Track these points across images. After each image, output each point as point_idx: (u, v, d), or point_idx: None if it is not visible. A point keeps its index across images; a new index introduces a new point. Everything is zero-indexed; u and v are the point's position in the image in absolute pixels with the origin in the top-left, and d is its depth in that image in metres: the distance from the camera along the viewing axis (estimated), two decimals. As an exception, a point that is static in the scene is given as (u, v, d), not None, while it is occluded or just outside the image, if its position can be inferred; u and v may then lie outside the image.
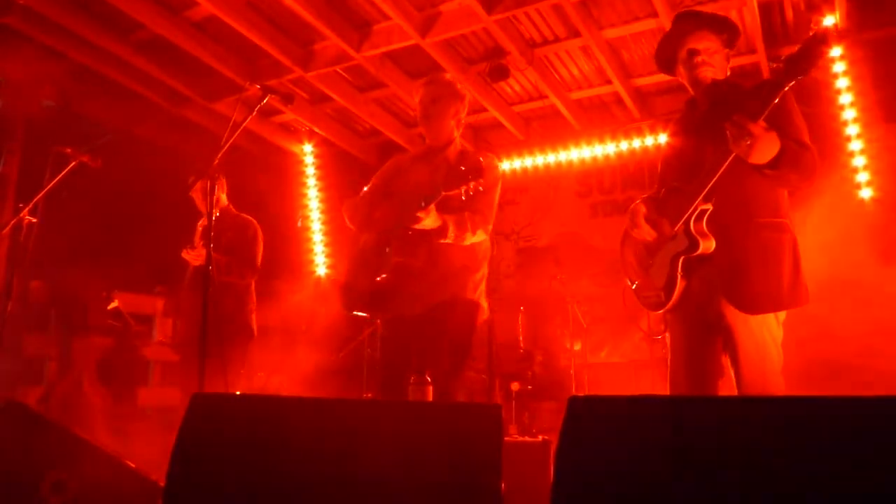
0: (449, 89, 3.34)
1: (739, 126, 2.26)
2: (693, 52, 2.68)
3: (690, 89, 2.79)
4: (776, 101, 2.26)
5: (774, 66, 2.26)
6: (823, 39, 2.14)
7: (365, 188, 3.46)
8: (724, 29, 2.72)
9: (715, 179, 2.42)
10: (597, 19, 5.04)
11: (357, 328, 5.69)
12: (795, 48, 2.21)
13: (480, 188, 2.85)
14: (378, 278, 3.11)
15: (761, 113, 2.27)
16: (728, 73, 2.76)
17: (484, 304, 3.26)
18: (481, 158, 3.08)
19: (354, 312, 3.26)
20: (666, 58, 2.87)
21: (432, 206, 2.88)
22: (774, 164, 2.32)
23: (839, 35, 2.11)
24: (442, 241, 3.02)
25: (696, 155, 2.59)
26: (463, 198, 2.88)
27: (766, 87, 2.29)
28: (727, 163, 2.38)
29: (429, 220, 2.91)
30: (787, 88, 2.26)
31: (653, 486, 1.35)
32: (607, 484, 1.39)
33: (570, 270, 5.58)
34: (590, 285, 5.47)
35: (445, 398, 2.98)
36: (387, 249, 3.14)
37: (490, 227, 3.22)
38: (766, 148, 2.28)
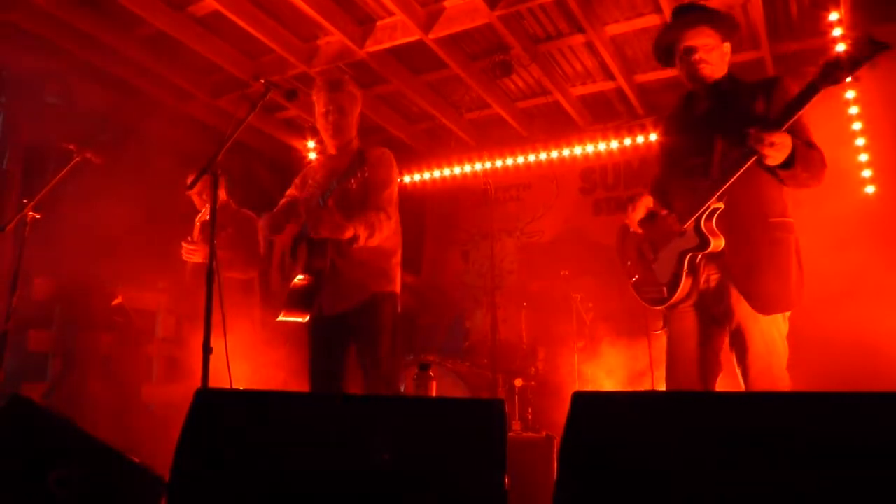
0: (350, 96, 3.40)
1: (761, 138, 2.29)
2: (690, 50, 2.68)
3: (688, 83, 2.79)
4: (806, 107, 2.27)
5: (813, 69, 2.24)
6: (867, 50, 2.13)
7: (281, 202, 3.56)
8: (723, 24, 2.72)
9: (733, 179, 2.44)
10: (600, 15, 5.02)
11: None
12: (833, 56, 2.19)
13: (366, 174, 2.98)
14: (294, 281, 3.17)
15: (786, 120, 2.29)
16: (727, 69, 2.76)
17: (398, 288, 3.36)
18: (366, 152, 3.18)
19: (279, 319, 3.28)
20: (664, 49, 2.87)
21: (334, 209, 2.99)
22: (788, 163, 2.36)
23: (886, 45, 2.09)
24: (356, 245, 3.10)
25: (705, 153, 2.60)
26: (354, 186, 3.01)
27: (797, 92, 2.30)
28: (747, 164, 2.39)
29: (337, 230, 3.00)
30: (816, 94, 2.26)
31: (656, 481, 1.35)
32: (611, 479, 1.39)
33: (574, 267, 5.58)
34: (593, 281, 5.47)
35: (393, 389, 3.12)
36: (297, 253, 3.22)
37: (394, 220, 3.30)
38: (782, 149, 2.32)
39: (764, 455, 1.28)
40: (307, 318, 3.29)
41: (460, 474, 1.52)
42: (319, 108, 3.40)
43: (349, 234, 3.03)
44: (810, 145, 2.46)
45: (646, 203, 2.74)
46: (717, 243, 2.52)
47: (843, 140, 5.13)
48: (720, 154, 2.52)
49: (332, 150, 3.46)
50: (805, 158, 2.39)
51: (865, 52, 2.13)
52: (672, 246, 2.63)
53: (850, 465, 1.21)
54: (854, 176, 5.12)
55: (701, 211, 2.52)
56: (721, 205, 2.51)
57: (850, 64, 2.16)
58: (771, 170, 2.45)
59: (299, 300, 3.21)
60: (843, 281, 4.57)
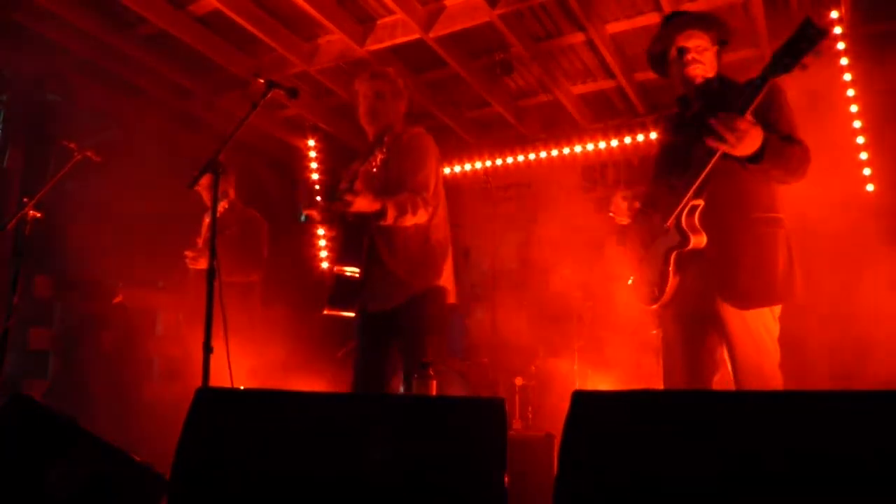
0: (392, 83, 3.31)
1: (725, 122, 2.28)
2: (683, 51, 2.70)
3: (682, 88, 2.80)
4: (761, 96, 2.28)
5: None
6: (808, 36, 2.14)
7: None
8: (713, 26, 2.74)
9: (703, 175, 2.45)
10: (600, 13, 5.02)
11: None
12: (779, 47, 2.20)
13: (385, 154, 2.94)
14: (333, 271, 3.14)
15: (747, 107, 2.29)
16: (718, 70, 2.76)
17: (450, 286, 3.26)
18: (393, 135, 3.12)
19: (325, 313, 3.22)
20: (657, 59, 2.88)
21: (361, 189, 2.89)
22: (757, 157, 2.34)
23: (825, 32, 2.11)
24: (383, 223, 3.01)
25: (688, 152, 2.61)
26: (374, 170, 2.96)
27: (753, 83, 2.31)
28: (715, 159, 2.40)
29: (364, 203, 2.91)
30: (769, 84, 2.26)
31: (656, 479, 1.35)
32: (611, 478, 1.39)
33: (574, 265, 5.58)
34: (593, 280, 5.47)
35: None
36: (335, 243, 3.19)
37: (432, 205, 3.18)
38: (748, 141, 2.29)
39: (762, 453, 1.28)
40: (352, 313, 3.19)
41: (461, 473, 1.52)
42: (360, 97, 3.30)
43: (376, 206, 2.93)
44: (791, 140, 2.44)
45: (620, 197, 2.77)
46: (698, 240, 2.52)
47: (843, 138, 5.13)
48: (699, 152, 2.53)
49: (370, 139, 3.33)
50: (777, 154, 2.35)
51: (807, 41, 2.13)
52: (658, 244, 2.66)
53: (847, 465, 1.22)
54: (854, 174, 5.11)
55: (680, 208, 2.53)
56: (701, 202, 2.51)
57: (794, 53, 2.15)
58: (742, 163, 2.42)
59: (341, 294, 3.13)
60: (843, 279, 4.57)
